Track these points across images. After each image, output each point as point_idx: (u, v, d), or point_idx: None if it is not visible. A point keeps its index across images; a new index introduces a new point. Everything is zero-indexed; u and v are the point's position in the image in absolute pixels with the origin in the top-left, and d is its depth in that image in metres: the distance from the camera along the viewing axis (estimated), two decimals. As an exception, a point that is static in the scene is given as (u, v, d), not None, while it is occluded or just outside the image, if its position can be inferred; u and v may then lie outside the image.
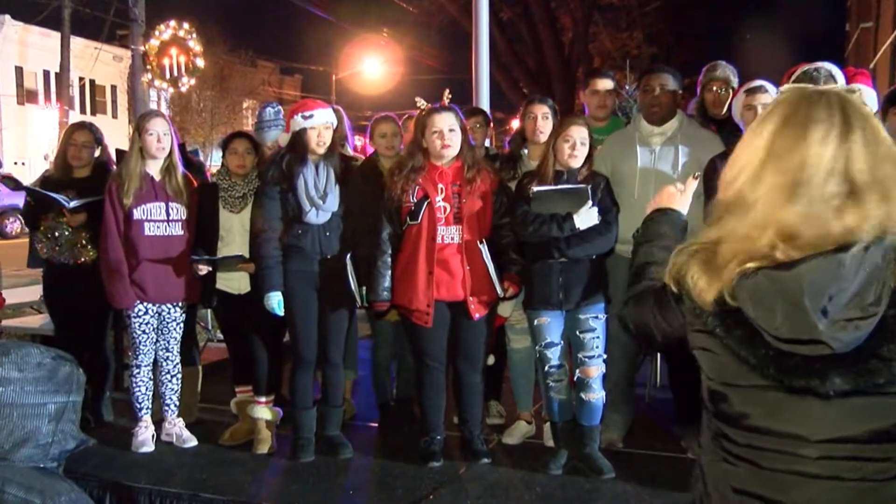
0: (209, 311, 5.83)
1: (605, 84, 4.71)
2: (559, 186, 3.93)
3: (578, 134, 3.95)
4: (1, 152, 28.95)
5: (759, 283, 1.38)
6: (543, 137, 4.34)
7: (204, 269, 4.31)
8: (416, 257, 4.00)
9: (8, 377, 1.73)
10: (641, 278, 1.79)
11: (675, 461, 4.14)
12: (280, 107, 5.11)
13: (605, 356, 4.00)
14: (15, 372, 1.74)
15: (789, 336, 1.37)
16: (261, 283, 4.17)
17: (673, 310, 1.60)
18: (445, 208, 4.01)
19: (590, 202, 3.89)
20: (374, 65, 29.98)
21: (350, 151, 4.91)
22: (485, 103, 7.06)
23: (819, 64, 3.53)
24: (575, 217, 3.88)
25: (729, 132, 4.36)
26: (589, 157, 4.01)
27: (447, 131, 3.99)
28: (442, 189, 4.03)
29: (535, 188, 3.91)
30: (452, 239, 4.01)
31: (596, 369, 3.96)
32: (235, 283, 4.47)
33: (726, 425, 1.52)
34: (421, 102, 4.18)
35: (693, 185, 2.04)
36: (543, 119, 4.37)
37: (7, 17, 31.11)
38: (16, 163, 31.45)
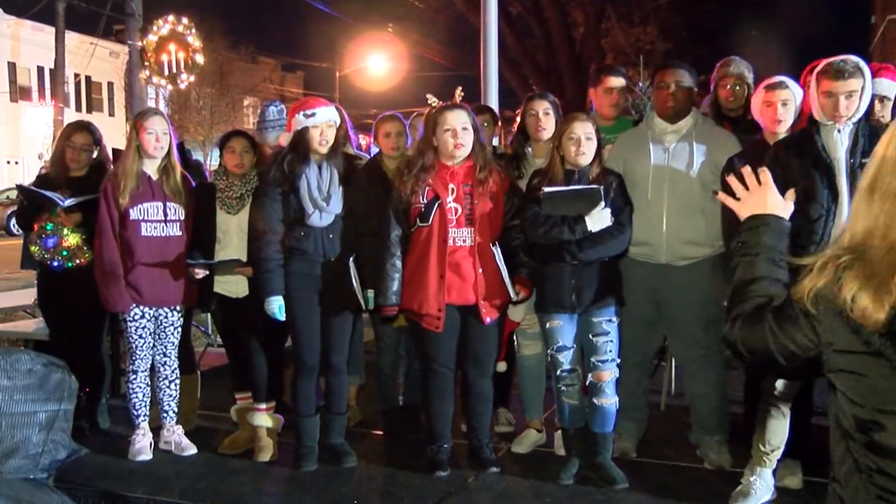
0: (208, 315, 5.84)
1: (618, 82, 4.68)
2: (570, 187, 3.92)
3: (582, 130, 3.94)
4: (-6, 151, 29.04)
5: None
6: (546, 134, 4.34)
7: (201, 273, 4.32)
8: (427, 260, 4.00)
9: None
10: (747, 296, 1.70)
11: (690, 471, 4.14)
12: (283, 106, 5.11)
13: (618, 361, 4.00)
14: (4, 380, 1.71)
15: None
16: (261, 287, 4.17)
17: (802, 329, 1.52)
18: (457, 209, 4.01)
19: (602, 203, 3.89)
20: (378, 61, 29.99)
21: (353, 150, 4.90)
22: (493, 101, 7.06)
23: (846, 56, 3.52)
24: (587, 219, 3.88)
25: (744, 130, 4.35)
26: (598, 153, 4.01)
27: (460, 130, 3.99)
28: (453, 189, 4.02)
29: (546, 189, 3.91)
30: (464, 241, 4.01)
31: (609, 373, 3.96)
32: (234, 286, 4.48)
33: (882, 458, 1.43)
34: (432, 100, 4.18)
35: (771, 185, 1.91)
36: (545, 115, 4.37)
37: (-1, 10, 31.25)
38: (9, 162, 31.60)
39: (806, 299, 1.48)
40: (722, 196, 1.94)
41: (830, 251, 1.49)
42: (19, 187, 4.84)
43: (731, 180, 1.93)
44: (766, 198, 1.85)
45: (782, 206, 1.86)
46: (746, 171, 1.93)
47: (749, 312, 1.66)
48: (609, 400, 3.97)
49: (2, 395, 1.72)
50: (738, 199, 1.90)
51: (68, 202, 4.53)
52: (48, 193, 4.55)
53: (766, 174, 1.89)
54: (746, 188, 1.89)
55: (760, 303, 1.66)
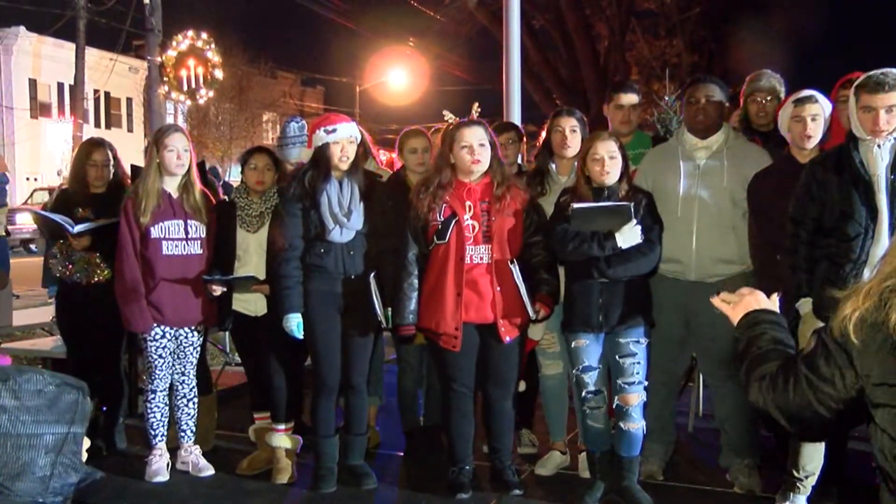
0: (226, 333, 5.87)
1: (630, 99, 4.67)
2: (600, 204, 3.91)
3: (605, 149, 3.93)
4: (13, 167, 29.40)
5: None
6: (571, 152, 4.33)
7: (218, 290, 4.33)
8: (444, 278, 4.00)
9: (2, 405, 1.69)
10: (765, 358, 1.71)
11: (719, 496, 4.10)
12: (304, 122, 5.13)
13: (645, 383, 3.97)
14: (11, 400, 1.70)
15: None
16: (279, 304, 4.18)
17: (840, 367, 1.50)
18: (474, 227, 4.01)
19: (633, 220, 3.87)
20: (399, 75, 30.10)
21: (375, 166, 4.91)
22: (516, 115, 7.07)
23: (887, 69, 3.47)
24: (617, 236, 3.87)
25: (774, 145, 4.32)
26: (625, 170, 4.00)
27: (477, 146, 4.00)
28: (470, 207, 4.03)
29: (576, 205, 3.89)
30: (482, 259, 4.01)
31: (636, 396, 3.93)
32: (252, 304, 4.49)
33: None
34: (449, 116, 4.19)
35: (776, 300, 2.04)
36: (571, 132, 4.36)
37: (21, 28, 31.73)
38: (28, 178, 31.98)
39: (849, 325, 1.45)
40: (716, 301, 2.08)
41: (874, 278, 1.46)
42: (32, 213, 4.91)
43: (717, 301, 2.08)
44: (756, 299, 1.97)
45: (770, 305, 1.97)
46: (723, 296, 2.10)
47: (775, 372, 1.64)
48: (636, 425, 3.93)
49: (7, 416, 1.70)
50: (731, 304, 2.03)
51: (78, 228, 4.55)
52: (58, 219, 4.58)
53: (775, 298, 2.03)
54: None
55: (782, 362, 1.65)
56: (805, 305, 3.62)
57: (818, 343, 1.55)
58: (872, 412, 1.46)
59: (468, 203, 4.03)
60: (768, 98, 4.55)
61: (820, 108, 3.88)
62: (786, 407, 1.60)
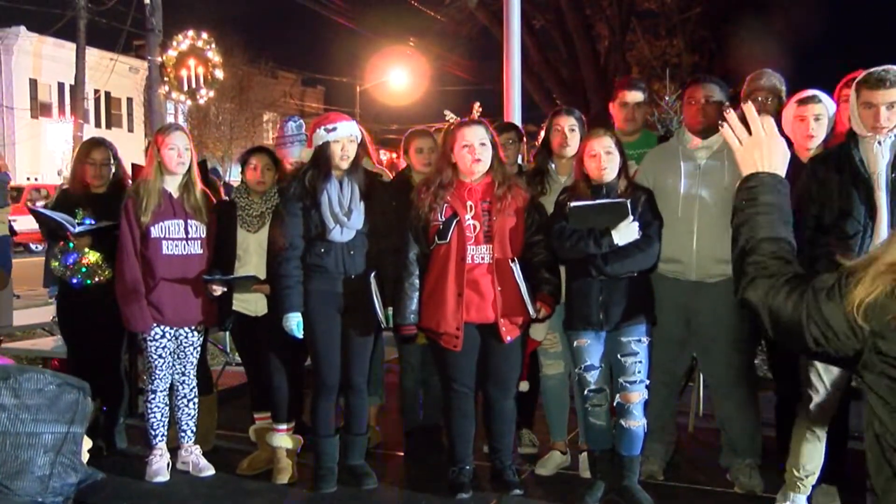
0: (227, 333, 5.87)
1: (635, 96, 4.67)
2: (597, 201, 3.92)
3: (601, 146, 3.94)
4: (14, 167, 29.43)
5: None
6: (570, 151, 4.34)
7: (218, 290, 4.32)
8: (445, 278, 4.00)
9: (2, 403, 1.69)
10: (765, 255, 1.65)
11: (720, 496, 4.10)
12: (302, 121, 5.14)
13: (647, 382, 3.97)
14: (10, 398, 1.70)
15: None
16: (279, 304, 4.18)
17: (847, 321, 1.48)
18: (475, 226, 4.02)
19: (629, 217, 3.88)
20: (399, 76, 30.13)
21: (371, 165, 4.91)
22: (516, 115, 7.06)
23: (888, 66, 3.46)
24: (613, 233, 3.87)
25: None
26: (624, 167, 4.00)
27: (478, 145, 4.00)
28: (471, 206, 4.03)
29: (573, 203, 3.90)
30: (483, 259, 4.01)
31: (637, 395, 3.93)
32: (253, 304, 4.49)
33: None
34: (450, 116, 4.19)
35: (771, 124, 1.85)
36: (570, 132, 4.36)
37: (22, 28, 31.75)
38: (28, 178, 31.98)
39: (857, 311, 1.45)
40: (725, 133, 1.88)
41: (885, 260, 1.45)
42: (32, 211, 4.89)
43: (731, 118, 1.88)
44: (770, 150, 1.81)
45: (783, 160, 1.81)
46: (749, 111, 1.88)
47: (784, 280, 1.60)
48: (637, 422, 3.94)
49: (6, 415, 1.70)
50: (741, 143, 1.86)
51: (78, 229, 4.55)
52: (59, 218, 4.58)
53: (771, 124, 1.84)
54: (749, 131, 1.84)
55: (793, 272, 1.59)
56: None
57: (834, 288, 1.52)
58: (871, 378, 1.45)
59: (469, 203, 4.03)
60: (769, 97, 4.54)
61: (823, 107, 3.88)
62: (777, 310, 1.59)
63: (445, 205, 4.04)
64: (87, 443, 1.88)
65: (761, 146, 1.81)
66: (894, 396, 1.44)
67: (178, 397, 4.49)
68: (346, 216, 4.12)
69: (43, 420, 1.71)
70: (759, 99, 4.57)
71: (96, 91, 31.95)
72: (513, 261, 4.00)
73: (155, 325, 4.37)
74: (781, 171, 1.81)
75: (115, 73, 25.60)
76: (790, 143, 4.04)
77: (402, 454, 4.77)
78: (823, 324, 1.53)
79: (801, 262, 3.62)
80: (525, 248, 4.09)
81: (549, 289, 4.07)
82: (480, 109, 4.27)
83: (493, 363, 4.11)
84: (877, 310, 1.45)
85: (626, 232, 3.88)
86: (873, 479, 1.51)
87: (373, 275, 4.13)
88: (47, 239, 4.88)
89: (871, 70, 3.47)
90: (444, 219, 4.03)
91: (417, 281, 4.09)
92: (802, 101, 3.89)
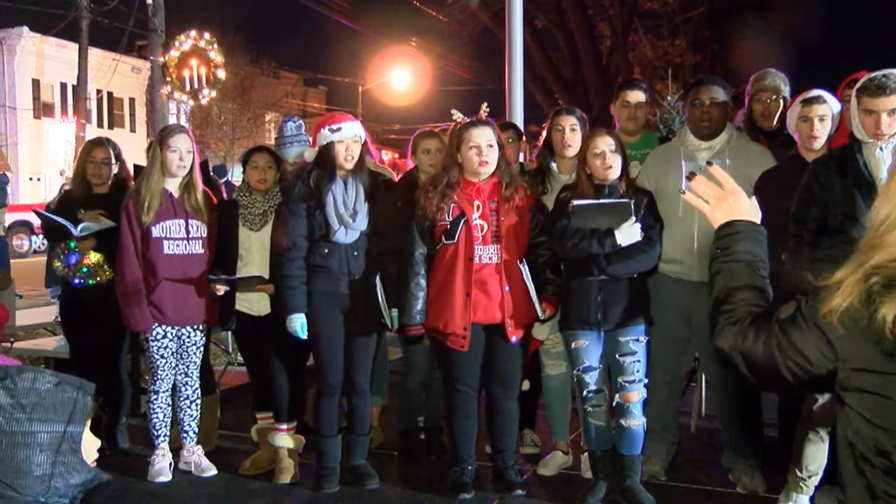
0: (229, 333, 5.87)
1: (637, 96, 4.67)
2: (600, 201, 3.91)
3: (605, 144, 3.94)
4: (16, 167, 29.44)
5: None
6: (572, 151, 4.33)
7: (222, 290, 4.33)
8: (453, 278, 3.99)
9: None
10: (736, 303, 1.66)
11: (722, 496, 4.09)
12: (301, 121, 5.14)
13: (646, 381, 3.97)
14: (6, 397, 1.70)
15: None
16: (283, 304, 4.18)
17: (816, 344, 1.49)
18: (483, 226, 4.01)
19: (633, 218, 3.87)
20: (401, 76, 30.13)
21: (372, 164, 4.91)
22: (518, 115, 7.06)
23: (889, 70, 3.46)
24: (616, 233, 3.86)
25: (780, 145, 4.31)
26: (625, 167, 4.00)
27: (485, 146, 3.99)
28: (479, 206, 4.02)
29: (576, 202, 3.90)
30: (490, 259, 4.00)
31: (636, 394, 3.93)
32: (255, 304, 4.49)
33: None
34: (457, 115, 4.19)
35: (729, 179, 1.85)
36: (571, 131, 4.36)
37: (25, 28, 31.76)
38: (31, 178, 32.01)
39: (834, 318, 1.45)
40: (689, 198, 1.87)
41: (858, 269, 1.46)
42: (36, 213, 4.90)
43: (695, 185, 1.86)
44: (738, 202, 1.80)
45: (755, 210, 1.81)
46: (716, 171, 1.87)
47: (748, 322, 1.61)
48: (636, 421, 3.93)
49: (2, 413, 1.71)
50: (708, 203, 1.84)
51: (81, 232, 4.55)
52: (62, 221, 4.58)
53: (729, 181, 1.84)
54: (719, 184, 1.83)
55: (757, 312, 1.61)
56: None
57: (797, 314, 1.53)
58: (846, 395, 1.46)
59: (477, 203, 4.02)
60: (773, 97, 4.53)
61: (828, 108, 3.87)
62: (750, 354, 1.59)
63: (452, 204, 4.03)
64: (96, 443, 1.87)
65: (732, 197, 1.80)
66: (873, 411, 1.43)
67: (181, 398, 4.49)
68: (350, 217, 4.11)
69: (38, 419, 1.71)
70: (763, 99, 4.57)
71: (99, 91, 31.90)
72: (521, 261, 4.00)
73: (156, 324, 4.37)
74: (755, 218, 1.80)
75: (118, 74, 25.57)
76: (794, 143, 4.04)
77: (404, 454, 4.75)
78: (796, 353, 1.54)
79: (802, 263, 3.64)
80: (529, 249, 4.08)
81: (553, 289, 4.07)
82: (489, 109, 4.25)
83: (498, 363, 4.10)
84: (851, 314, 1.46)
85: (629, 232, 3.87)
86: (848, 493, 1.50)
87: (377, 276, 4.12)
88: (50, 240, 4.88)
89: (872, 76, 3.46)
90: (451, 218, 4.02)
91: (424, 281, 4.08)
92: (807, 102, 3.89)
